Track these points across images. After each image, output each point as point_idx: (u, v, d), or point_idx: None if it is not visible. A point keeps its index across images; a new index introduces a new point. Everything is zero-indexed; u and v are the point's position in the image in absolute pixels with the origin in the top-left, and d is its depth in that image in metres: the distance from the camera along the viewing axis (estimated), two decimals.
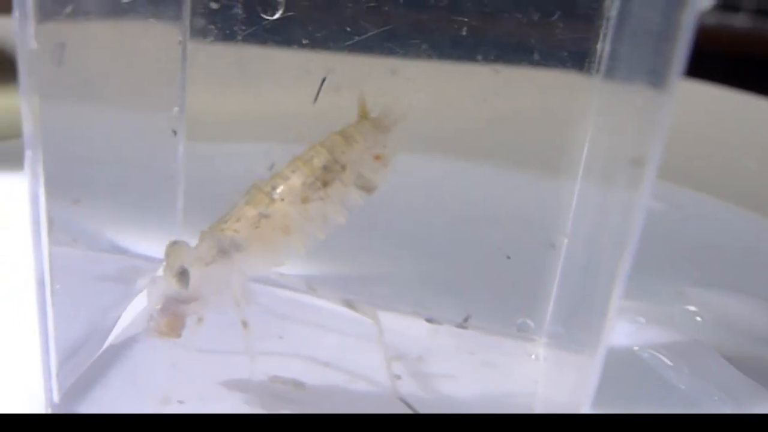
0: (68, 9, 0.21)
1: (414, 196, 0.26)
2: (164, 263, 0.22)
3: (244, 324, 0.22)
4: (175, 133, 0.28)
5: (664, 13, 0.18)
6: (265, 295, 0.27)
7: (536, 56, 0.24)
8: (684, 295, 0.30)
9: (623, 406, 0.23)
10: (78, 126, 0.23)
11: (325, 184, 0.22)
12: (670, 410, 0.24)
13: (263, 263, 0.23)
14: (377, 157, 0.23)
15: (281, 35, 0.25)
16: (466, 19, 0.24)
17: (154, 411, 0.22)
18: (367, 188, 0.23)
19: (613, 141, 0.22)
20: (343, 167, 0.23)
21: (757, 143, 0.54)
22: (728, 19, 1.31)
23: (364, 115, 0.23)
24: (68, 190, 0.22)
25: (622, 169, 0.19)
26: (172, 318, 0.21)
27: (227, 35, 0.26)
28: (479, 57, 0.24)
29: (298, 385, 0.23)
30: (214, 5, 0.26)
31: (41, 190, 0.20)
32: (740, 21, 1.33)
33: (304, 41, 0.25)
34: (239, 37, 0.26)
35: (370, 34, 0.25)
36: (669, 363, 0.26)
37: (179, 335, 0.21)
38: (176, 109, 0.27)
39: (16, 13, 0.19)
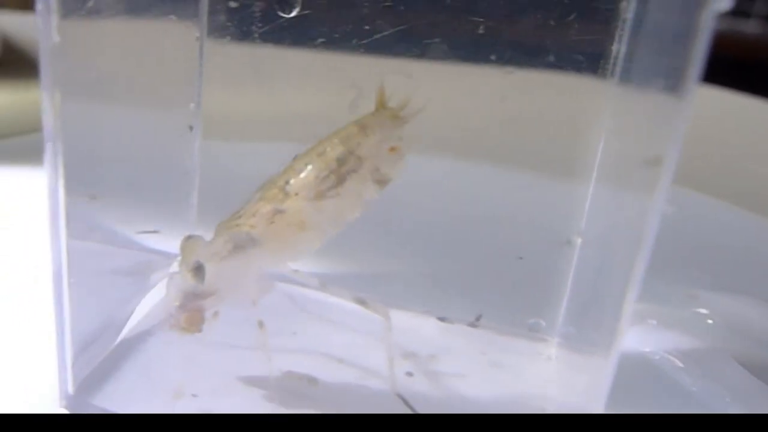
0: (90, 3, 0.21)
1: (427, 196, 0.26)
2: (179, 258, 0.22)
3: (260, 324, 0.22)
4: (191, 128, 0.28)
5: (681, 16, 0.18)
6: (279, 291, 0.27)
7: (550, 58, 0.24)
8: (695, 298, 0.30)
9: (634, 407, 0.23)
10: (95, 121, 0.23)
11: (340, 178, 0.22)
12: (681, 412, 0.24)
13: (279, 258, 0.23)
14: (393, 149, 0.23)
15: (297, 34, 0.25)
16: (481, 20, 0.24)
17: (167, 404, 0.22)
18: (382, 181, 0.23)
19: (628, 144, 0.22)
20: (359, 159, 0.22)
21: None
22: (739, 25, 1.31)
23: (382, 106, 0.23)
24: (85, 184, 0.22)
25: (637, 173, 0.20)
26: (191, 313, 0.21)
27: (244, 33, 0.26)
28: (493, 58, 0.24)
29: (311, 380, 0.24)
30: (233, 4, 0.26)
31: (60, 184, 0.21)
32: (751, 27, 1.33)
33: (320, 40, 0.25)
34: (256, 36, 0.26)
35: (385, 33, 0.25)
36: (680, 365, 0.26)
37: (200, 330, 0.21)
38: (192, 105, 0.27)
39: (39, 6, 0.19)
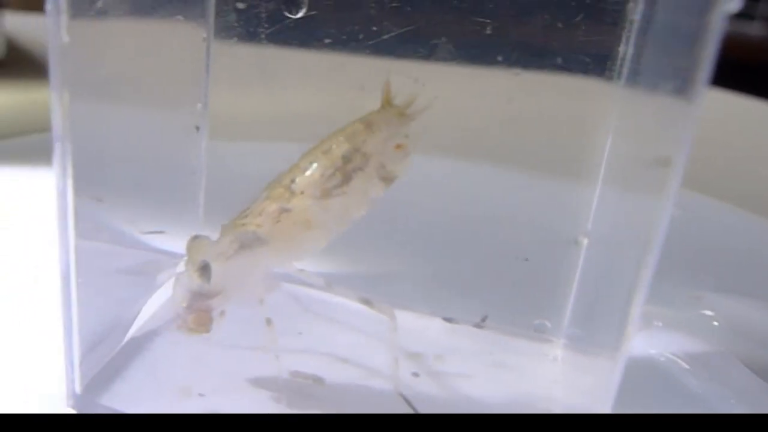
0: (99, 4, 0.21)
1: (434, 197, 0.26)
2: (186, 258, 0.22)
3: (268, 321, 0.22)
4: (198, 129, 0.28)
5: (690, 17, 0.18)
6: (284, 291, 0.27)
7: (557, 59, 0.24)
8: (701, 300, 0.30)
9: (639, 409, 0.23)
10: (102, 121, 0.23)
11: (346, 176, 0.22)
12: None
13: (285, 257, 0.23)
14: (398, 147, 0.23)
15: (304, 35, 0.26)
16: (488, 21, 0.24)
17: (174, 403, 0.22)
18: (388, 179, 0.23)
19: (635, 145, 0.22)
20: (365, 157, 0.22)
21: None
22: (742, 27, 1.31)
23: (388, 103, 0.23)
24: (92, 184, 0.22)
25: (645, 174, 0.20)
26: (199, 314, 0.21)
27: (251, 34, 0.26)
28: (500, 59, 0.24)
29: (318, 380, 0.24)
30: (240, 5, 0.26)
31: (69, 183, 0.21)
32: (755, 29, 1.33)
33: (327, 41, 0.25)
34: (263, 36, 0.26)
35: (392, 34, 0.25)
36: (686, 367, 0.26)
37: (208, 330, 0.21)
38: (199, 105, 0.28)
39: (49, 6, 0.19)
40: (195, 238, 0.22)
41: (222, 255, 0.21)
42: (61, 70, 0.20)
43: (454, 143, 0.26)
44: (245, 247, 0.22)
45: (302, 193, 0.22)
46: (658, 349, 0.27)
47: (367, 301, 0.23)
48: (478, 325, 0.27)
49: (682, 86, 0.17)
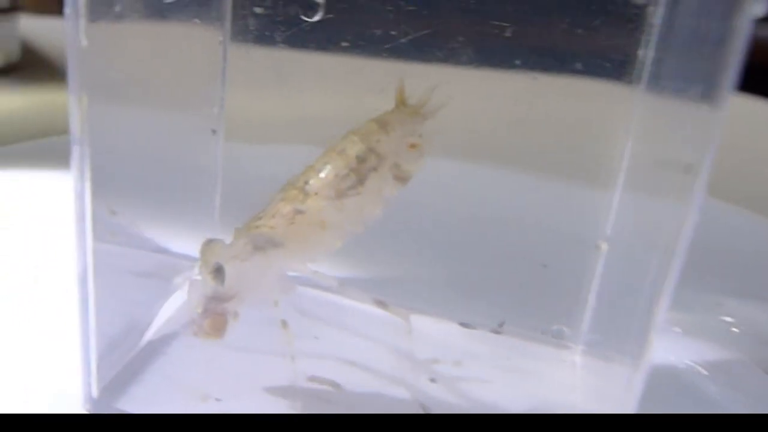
0: (117, 8, 0.21)
1: (452, 201, 0.26)
2: (200, 261, 0.21)
3: (283, 323, 0.22)
4: (214, 131, 0.28)
5: (714, 21, 0.17)
6: (300, 296, 0.27)
7: (576, 62, 0.24)
8: (720, 306, 0.30)
9: None
10: (119, 124, 0.23)
11: (361, 177, 0.22)
12: None
13: (299, 258, 0.22)
14: (413, 146, 0.23)
15: (321, 38, 0.25)
16: (506, 24, 0.24)
17: (191, 408, 0.22)
18: (403, 179, 0.23)
19: (657, 150, 0.22)
20: (379, 157, 0.22)
21: None
22: (758, 30, 1.30)
23: (402, 102, 0.23)
24: (109, 187, 0.22)
25: (668, 179, 0.19)
26: (214, 319, 0.21)
27: (267, 37, 0.26)
28: (518, 62, 0.24)
29: (335, 385, 0.23)
30: (257, 9, 0.26)
31: (86, 186, 0.21)
32: None
33: (343, 44, 0.25)
34: (279, 39, 0.26)
35: (409, 37, 0.25)
36: (705, 374, 0.26)
37: (223, 335, 0.21)
38: (216, 108, 0.27)
39: (67, 10, 0.19)
40: (209, 241, 0.22)
41: (236, 257, 0.21)
42: (79, 73, 0.20)
43: (474, 147, 0.26)
44: (259, 249, 0.21)
45: (316, 194, 0.22)
46: (677, 356, 0.27)
47: (381, 304, 0.23)
48: (495, 331, 0.27)
49: (706, 91, 0.17)
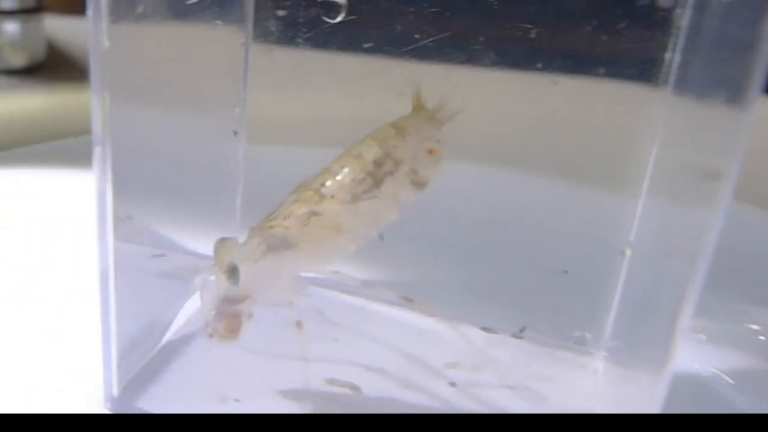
0: (139, 9, 0.21)
1: (474, 206, 0.26)
2: (214, 260, 0.21)
3: (298, 324, 0.22)
4: (235, 133, 0.28)
5: (743, 24, 0.17)
6: (320, 298, 0.27)
7: (601, 65, 0.24)
8: (747, 314, 0.30)
9: None
10: (141, 124, 0.23)
11: (377, 181, 0.22)
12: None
13: (313, 260, 0.22)
14: (430, 152, 0.22)
15: (343, 39, 0.25)
16: (529, 26, 0.24)
17: (211, 408, 0.22)
18: (420, 184, 0.22)
19: (683, 154, 0.22)
20: (396, 162, 0.22)
21: None
22: None
23: (419, 107, 0.23)
24: (131, 188, 0.22)
25: (694, 185, 0.19)
26: (228, 320, 0.21)
27: (289, 38, 0.26)
28: (540, 66, 0.24)
29: (354, 388, 0.23)
30: (280, 12, 0.26)
31: (108, 187, 0.21)
32: None
33: (366, 45, 0.25)
34: (301, 41, 0.26)
35: (431, 39, 0.25)
36: (731, 382, 0.26)
37: (238, 336, 0.21)
38: (237, 109, 0.28)
39: (90, 11, 0.19)
40: (222, 240, 0.22)
41: (250, 257, 0.21)
42: (101, 74, 0.20)
43: (498, 151, 0.26)
44: (273, 249, 0.21)
45: (332, 197, 0.22)
46: (701, 364, 0.26)
47: (408, 300, 0.23)
48: (516, 336, 0.27)
49: (733, 95, 0.17)
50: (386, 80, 0.26)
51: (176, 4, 0.24)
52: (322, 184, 0.22)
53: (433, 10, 0.24)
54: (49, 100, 0.48)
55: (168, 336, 0.26)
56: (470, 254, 0.27)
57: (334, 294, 0.27)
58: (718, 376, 0.26)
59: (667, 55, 0.23)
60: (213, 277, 0.21)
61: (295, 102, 0.28)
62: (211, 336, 0.21)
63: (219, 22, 0.26)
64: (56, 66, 0.54)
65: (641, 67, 0.23)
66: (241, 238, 0.22)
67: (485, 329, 0.27)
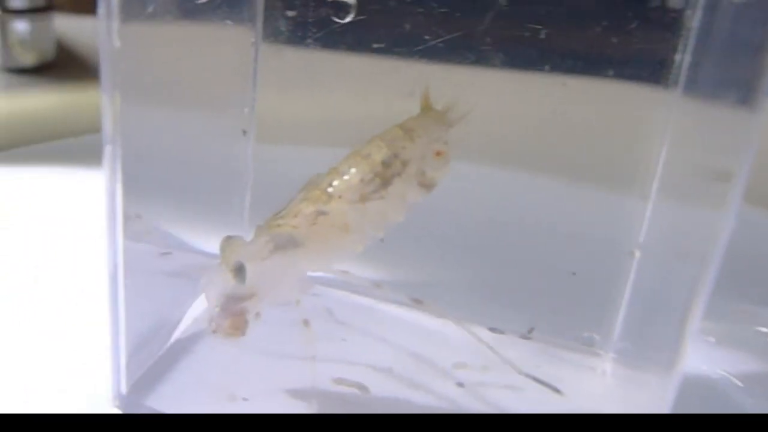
0: (150, 9, 0.21)
1: (482, 207, 0.26)
2: (220, 258, 0.21)
3: (305, 323, 0.22)
4: (245, 132, 0.28)
5: (754, 25, 0.17)
6: (329, 297, 0.27)
7: (610, 66, 0.23)
8: (756, 316, 0.30)
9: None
10: (150, 124, 0.23)
11: (385, 181, 0.22)
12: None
13: (320, 260, 0.22)
14: (438, 153, 0.22)
15: (352, 39, 0.25)
16: (538, 27, 0.24)
17: (219, 407, 0.22)
18: (427, 185, 0.22)
19: (693, 156, 0.22)
20: (404, 163, 0.22)
21: None
22: None
23: (427, 108, 0.23)
24: (140, 187, 0.22)
25: (704, 186, 0.19)
26: (234, 318, 0.21)
27: (299, 38, 0.26)
28: (548, 67, 0.24)
29: (362, 388, 0.23)
30: (290, 12, 0.26)
31: (118, 186, 0.21)
32: None
33: (375, 46, 0.25)
34: (310, 40, 0.26)
35: (440, 40, 0.24)
36: (740, 385, 0.26)
37: (244, 333, 0.21)
38: (247, 109, 0.28)
39: (101, 11, 0.19)
40: (228, 238, 0.22)
41: (257, 256, 0.21)
42: (111, 74, 0.20)
43: (506, 152, 0.26)
44: (280, 248, 0.21)
45: (340, 197, 0.22)
46: (710, 366, 0.26)
47: (418, 301, 0.23)
48: (524, 337, 0.27)
49: (743, 96, 0.17)
50: (395, 81, 0.26)
51: (186, 4, 0.24)
52: (330, 184, 0.22)
53: (442, 10, 0.24)
54: (58, 99, 0.48)
55: (176, 334, 0.26)
56: (479, 255, 0.27)
57: (343, 294, 0.27)
58: (727, 378, 0.26)
59: (678, 57, 0.22)
60: (216, 274, 0.21)
61: (304, 102, 0.28)
62: (214, 332, 0.21)
63: (229, 21, 0.26)
64: (66, 65, 0.54)
65: (651, 69, 0.23)
66: (249, 238, 0.22)
67: (493, 330, 0.27)
